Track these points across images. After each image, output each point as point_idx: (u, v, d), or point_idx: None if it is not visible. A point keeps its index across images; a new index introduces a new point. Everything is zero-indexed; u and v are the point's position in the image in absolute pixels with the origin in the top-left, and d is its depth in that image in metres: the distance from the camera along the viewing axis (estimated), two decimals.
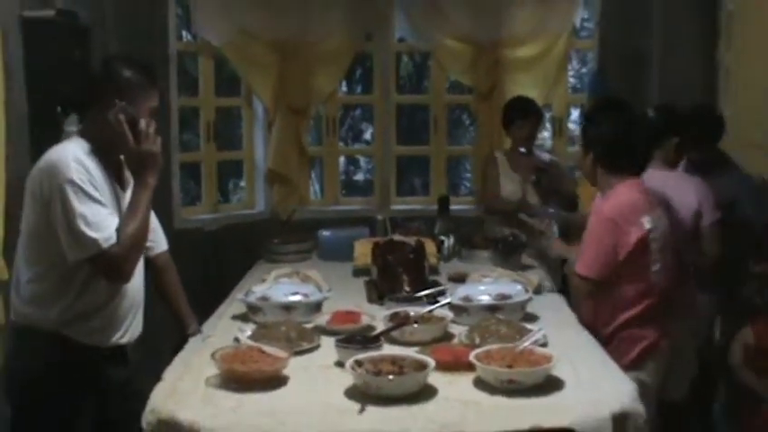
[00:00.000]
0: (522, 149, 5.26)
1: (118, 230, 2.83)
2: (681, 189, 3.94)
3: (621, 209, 3.50)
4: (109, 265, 2.85)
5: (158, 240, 3.38)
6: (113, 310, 3.03)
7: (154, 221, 3.22)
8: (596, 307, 3.58)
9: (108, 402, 3.11)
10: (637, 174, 3.61)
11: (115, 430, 3.14)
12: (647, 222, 3.45)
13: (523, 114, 5.27)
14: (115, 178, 3.02)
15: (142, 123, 2.90)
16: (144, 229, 2.94)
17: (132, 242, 2.86)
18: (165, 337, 3.41)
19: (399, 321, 3.15)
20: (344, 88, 11.03)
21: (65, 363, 2.94)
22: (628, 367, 3.17)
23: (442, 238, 4.80)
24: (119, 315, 3.06)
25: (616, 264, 3.46)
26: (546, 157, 5.41)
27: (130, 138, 2.87)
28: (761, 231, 4.20)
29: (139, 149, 2.90)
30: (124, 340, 3.11)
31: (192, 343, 3.22)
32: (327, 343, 3.01)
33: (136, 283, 3.11)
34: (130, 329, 3.14)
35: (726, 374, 4.29)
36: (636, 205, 3.50)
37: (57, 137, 3.67)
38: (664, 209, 3.67)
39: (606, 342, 3.33)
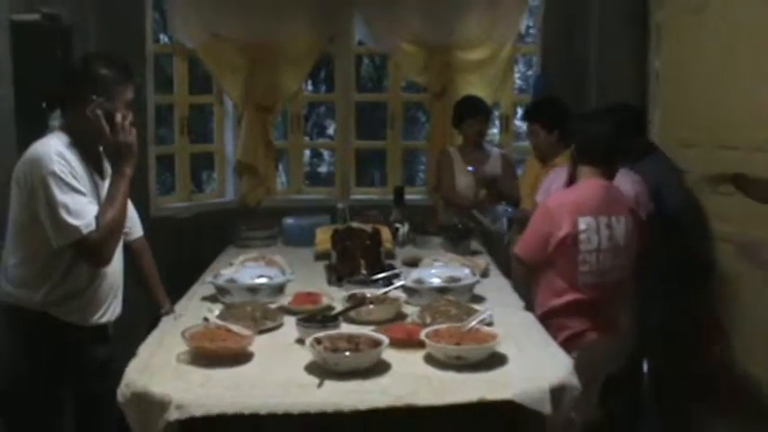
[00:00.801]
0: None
1: (97, 218, 2.83)
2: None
3: (563, 203, 3.51)
4: (90, 250, 2.85)
5: (135, 227, 3.37)
6: (94, 291, 3.02)
7: (130, 209, 3.19)
8: (533, 290, 3.59)
9: (90, 377, 3.09)
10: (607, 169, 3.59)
11: (96, 403, 3.12)
12: (581, 223, 3.42)
13: (473, 112, 5.27)
14: (95, 168, 3.01)
15: (118, 117, 2.89)
16: (122, 216, 2.93)
17: (111, 228, 2.86)
18: (142, 317, 3.38)
19: (356, 302, 3.16)
20: (310, 87, 11.02)
21: (50, 340, 2.95)
22: None
23: (397, 225, 4.81)
24: (99, 296, 3.05)
25: (546, 252, 3.46)
26: (497, 152, 5.41)
27: (107, 130, 2.88)
28: (682, 220, 4.20)
29: (116, 141, 2.89)
30: (104, 320, 3.10)
31: (165, 322, 3.20)
32: (290, 322, 3.01)
33: (115, 267, 3.10)
34: (110, 309, 3.13)
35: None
36: (579, 204, 3.47)
37: (42, 130, 3.64)
38: (629, 213, 3.60)
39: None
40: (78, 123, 2.94)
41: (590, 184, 3.55)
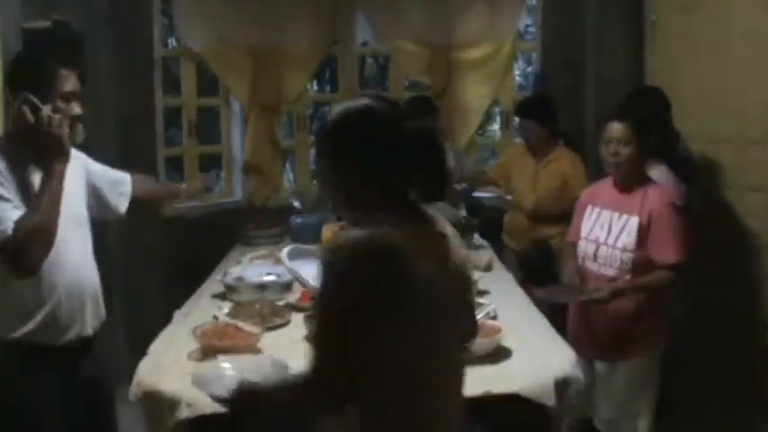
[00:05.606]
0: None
1: (17, 222, 2.43)
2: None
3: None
4: (7, 258, 2.44)
5: (119, 202, 3.06)
6: (55, 308, 2.62)
7: (122, 184, 3.04)
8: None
9: (78, 394, 2.70)
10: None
11: (95, 420, 2.79)
12: None
13: (421, 110, 5.28)
14: (36, 166, 2.60)
15: (45, 110, 2.53)
16: (48, 220, 2.49)
17: (30, 233, 2.43)
18: (156, 317, 3.35)
19: None
20: (315, 87, 10.97)
21: (24, 366, 2.56)
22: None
23: None
24: (63, 313, 2.64)
25: None
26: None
27: (31, 124, 2.52)
28: None
29: (42, 134, 2.52)
30: (86, 333, 2.75)
31: (176, 319, 3.17)
32: (297, 319, 2.99)
33: (75, 279, 2.70)
34: (85, 324, 2.74)
35: None
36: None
37: None
38: None
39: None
40: (14, 121, 2.59)
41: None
